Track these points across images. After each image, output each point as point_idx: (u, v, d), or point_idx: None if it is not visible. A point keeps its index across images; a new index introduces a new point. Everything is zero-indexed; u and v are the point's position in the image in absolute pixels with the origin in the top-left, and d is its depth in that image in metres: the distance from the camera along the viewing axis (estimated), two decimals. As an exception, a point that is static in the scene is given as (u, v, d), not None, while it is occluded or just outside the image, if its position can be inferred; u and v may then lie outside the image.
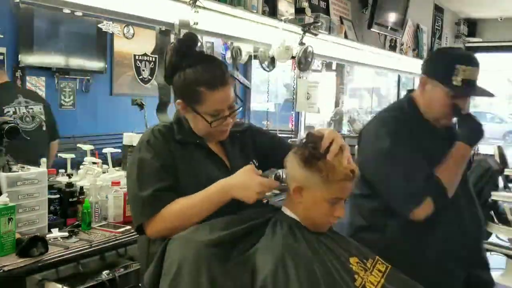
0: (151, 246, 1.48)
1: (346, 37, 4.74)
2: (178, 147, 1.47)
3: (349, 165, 1.33)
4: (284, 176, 1.36)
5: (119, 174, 2.42)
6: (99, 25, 4.25)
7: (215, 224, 1.32)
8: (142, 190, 1.39)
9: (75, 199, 2.12)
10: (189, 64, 1.46)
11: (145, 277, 1.36)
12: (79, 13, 3.91)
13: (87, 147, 2.65)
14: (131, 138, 2.66)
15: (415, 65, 6.45)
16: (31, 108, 3.13)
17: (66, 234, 1.95)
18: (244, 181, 1.36)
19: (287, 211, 1.39)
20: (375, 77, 6.85)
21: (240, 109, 1.56)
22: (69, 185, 2.14)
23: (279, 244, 1.27)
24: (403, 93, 7.41)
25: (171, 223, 1.37)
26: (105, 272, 1.77)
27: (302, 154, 1.34)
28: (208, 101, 1.44)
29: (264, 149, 1.65)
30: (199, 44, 1.51)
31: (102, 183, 2.26)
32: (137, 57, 5.12)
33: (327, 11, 4.64)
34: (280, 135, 2.01)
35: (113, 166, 2.61)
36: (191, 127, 1.52)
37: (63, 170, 2.44)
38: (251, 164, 1.54)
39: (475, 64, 1.71)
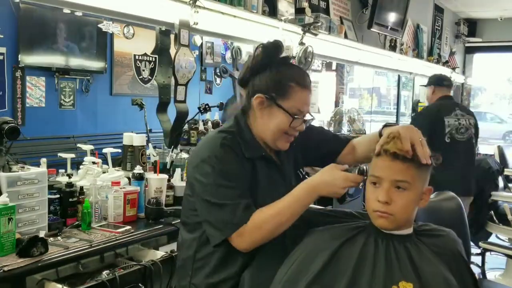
0: (197, 253, 1.50)
1: (346, 37, 4.74)
2: (248, 164, 1.47)
3: (392, 143, 1.26)
4: (367, 169, 1.33)
5: (119, 174, 2.42)
6: (99, 25, 4.25)
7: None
8: (228, 199, 1.38)
9: (75, 199, 2.12)
10: (282, 62, 1.53)
11: None
12: (79, 13, 3.91)
13: (87, 147, 2.65)
14: (131, 138, 2.66)
15: (415, 65, 6.46)
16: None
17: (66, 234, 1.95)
18: (329, 178, 1.36)
19: None
20: (375, 77, 6.84)
21: (312, 120, 1.59)
22: (69, 185, 2.14)
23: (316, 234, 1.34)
24: (403, 93, 7.45)
25: (267, 230, 1.37)
26: (105, 272, 1.77)
27: None
28: (295, 98, 1.48)
29: (314, 151, 1.68)
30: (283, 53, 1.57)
31: (102, 183, 2.26)
32: (137, 57, 5.13)
33: (327, 11, 4.65)
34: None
35: (113, 166, 2.61)
36: (253, 137, 1.52)
37: (63, 170, 2.44)
38: (298, 173, 1.60)
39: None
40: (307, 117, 1.53)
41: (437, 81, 3.89)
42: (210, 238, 1.44)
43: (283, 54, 1.57)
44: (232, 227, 1.37)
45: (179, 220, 2.17)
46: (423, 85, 4.71)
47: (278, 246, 1.42)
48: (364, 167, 1.34)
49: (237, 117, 1.57)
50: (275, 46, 1.56)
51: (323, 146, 1.70)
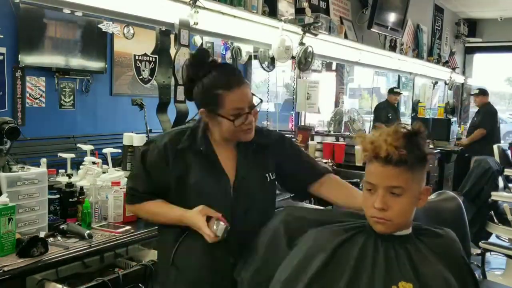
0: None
1: (346, 37, 4.75)
2: (179, 155, 1.57)
3: (382, 144, 1.21)
4: (224, 231, 1.46)
5: (119, 174, 2.42)
6: (99, 25, 4.24)
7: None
8: (129, 178, 1.71)
9: (75, 199, 2.12)
10: (204, 74, 1.55)
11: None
12: (79, 13, 3.91)
13: (87, 147, 2.65)
14: (131, 138, 2.66)
15: (415, 65, 6.46)
16: None
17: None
18: (192, 221, 1.51)
19: None
20: (375, 77, 6.83)
21: (260, 106, 1.64)
22: (69, 185, 2.14)
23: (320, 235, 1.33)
24: (403, 93, 7.42)
25: (144, 216, 1.73)
26: (105, 272, 1.77)
27: None
28: (227, 102, 1.52)
29: (285, 170, 1.71)
30: (210, 58, 1.61)
31: (102, 183, 2.26)
32: (137, 57, 5.12)
33: (327, 11, 4.65)
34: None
35: (113, 166, 2.61)
36: (205, 135, 1.61)
37: (63, 170, 2.44)
38: (267, 176, 1.64)
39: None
40: (253, 106, 1.56)
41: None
42: None
43: (212, 58, 1.61)
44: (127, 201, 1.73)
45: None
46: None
47: (276, 246, 1.42)
48: (223, 228, 1.45)
49: (200, 119, 1.65)
50: (198, 57, 1.62)
51: (296, 174, 1.74)
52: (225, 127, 1.55)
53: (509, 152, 5.62)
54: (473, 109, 11.47)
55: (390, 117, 5.97)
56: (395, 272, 1.21)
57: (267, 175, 1.65)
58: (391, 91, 6.32)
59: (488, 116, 6.65)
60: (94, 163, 2.51)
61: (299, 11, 3.79)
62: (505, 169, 4.53)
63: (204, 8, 2.71)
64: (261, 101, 1.63)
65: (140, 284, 1.83)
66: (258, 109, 1.60)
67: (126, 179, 1.77)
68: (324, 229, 1.35)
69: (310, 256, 1.28)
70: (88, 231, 1.91)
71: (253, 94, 1.59)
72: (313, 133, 4.70)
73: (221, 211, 1.51)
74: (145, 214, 1.68)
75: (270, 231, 1.45)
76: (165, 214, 1.60)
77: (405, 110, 7.81)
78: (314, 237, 1.34)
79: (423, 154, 1.24)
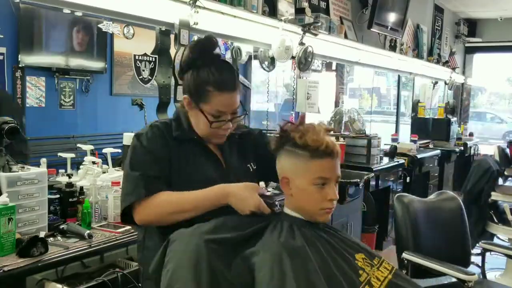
0: (146, 240, 1.53)
1: (346, 37, 4.74)
2: (175, 144, 1.50)
3: (326, 138, 1.31)
4: (278, 206, 1.41)
5: (119, 174, 2.41)
6: (99, 25, 4.24)
7: (221, 224, 1.32)
8: (133, 171, 1.45)
9: (75, 199, 2.12)
10: (203, 64, 1.50)
11: (150, 269, 1.35)
12: (79, 13, 3.91)
13: (87, 147, 2.65)
14: (131, 138, 2.65)
15: (415, 65, 6.46)
16: None
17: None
18: (245, 195, 1.39)
19: (287, 210, 1.40)
20: (375, 77, 6.84)
21: (242, 117, 1.62)
22: (69, 185, 2.14)
23: (276, 243, 1.27)
24: (403, 93, 7.44)
25: (161, 211, 1.42)
26: (105, 272, 1.77)
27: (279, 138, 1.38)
28: (213, 101, 1.48)
29: (265, 159, 1.59)
30: (217, 49, 1.56)
31: (102, 183, 2.26)
32: (137, 57, 5.12)
33: (327, 11, 4.65)
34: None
35: (113, 166, 2.61)
36: (190, 124, 1.55)
37: (63, 170, 2.44)
38: (249, 167, 1.59)
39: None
40: (236, 114, 1.53)
41: None
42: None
43: (217, 51, 1.55)
44: (130, 199, 1.43)
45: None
46: None
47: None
48: (277, 203, 1.41)
49: (178, 108, 1.62)
50: (204, 44, 1.55)
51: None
52: (201, 124, 1.51)
53: (508, 151, 5.62)
54: (472, 109, 11.50)
55: None
56: (344, 248, 1.32)
57: (249, 165, 1.62)
58: None
59: None
60: (94, 163, 2.51)
61: (299, 11, 3.79)
62: (505, 169, 4.53)
63: (204, 8, 2.71)
64: (246, 113, 1.59)
65: (140, 284, 1.83)
66: (239, 119, 1.57)
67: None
68: (267, 239, 1.29)
69: (277, 263, 1.21)
70: (88, 231, 1.91)
71: (241, 104, 1.56)
72: (313, 133, 4.68)
73: None
74: (164, 207, 1.42)
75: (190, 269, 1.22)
76: (199, 195, 1.41)
77: (405, 110, 7.81)
78: (263, 249, 1.26)
79: None
